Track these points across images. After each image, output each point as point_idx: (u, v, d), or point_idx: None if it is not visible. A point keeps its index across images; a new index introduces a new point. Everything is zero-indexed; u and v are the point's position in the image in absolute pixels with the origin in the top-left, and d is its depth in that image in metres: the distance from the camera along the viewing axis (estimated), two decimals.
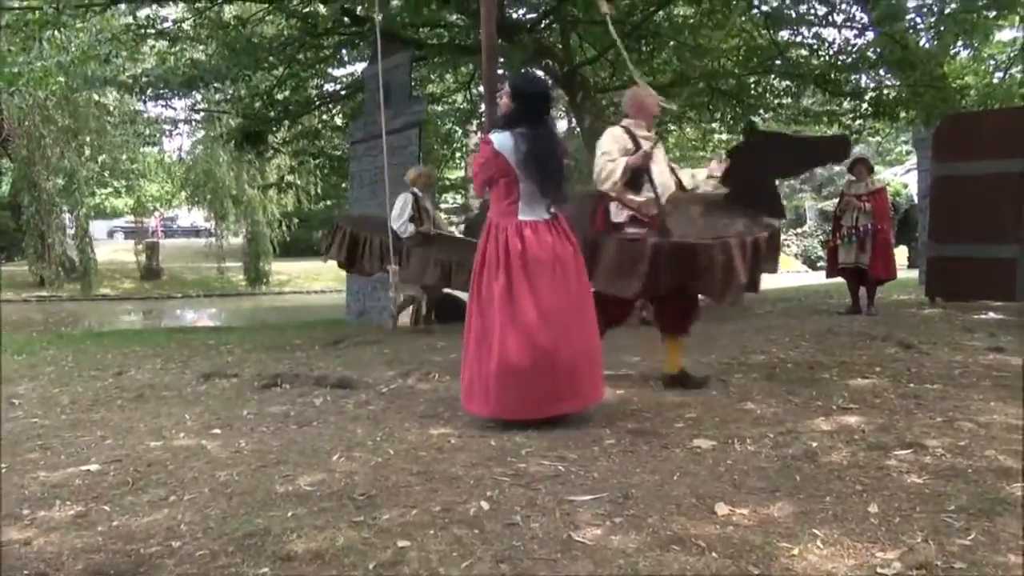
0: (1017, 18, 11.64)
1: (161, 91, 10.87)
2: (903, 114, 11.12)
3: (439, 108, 14.89)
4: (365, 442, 3.23)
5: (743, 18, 10.94)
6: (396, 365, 5.13)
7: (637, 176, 3.93)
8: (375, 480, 2.68)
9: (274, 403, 4.15)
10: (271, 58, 10.76)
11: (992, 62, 13.19)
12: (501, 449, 3.05)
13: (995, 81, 12.29)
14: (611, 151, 3.95)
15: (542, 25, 11.02)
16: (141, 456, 3.12)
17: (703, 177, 4.30)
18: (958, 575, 1.82)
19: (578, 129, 12.12)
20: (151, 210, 31.77)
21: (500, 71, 11.77)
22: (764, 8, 10.52)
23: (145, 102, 13.09)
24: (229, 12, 11.84)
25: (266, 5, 10.58)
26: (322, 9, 10.01)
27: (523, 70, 7.34)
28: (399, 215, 7.11)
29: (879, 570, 1.87)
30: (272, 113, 12.26)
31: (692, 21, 10.97)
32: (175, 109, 15.65)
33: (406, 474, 2.74)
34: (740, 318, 7.80)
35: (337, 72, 14.10)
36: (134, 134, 19.36)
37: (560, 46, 10.28)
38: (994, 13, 9.26)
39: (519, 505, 2.39)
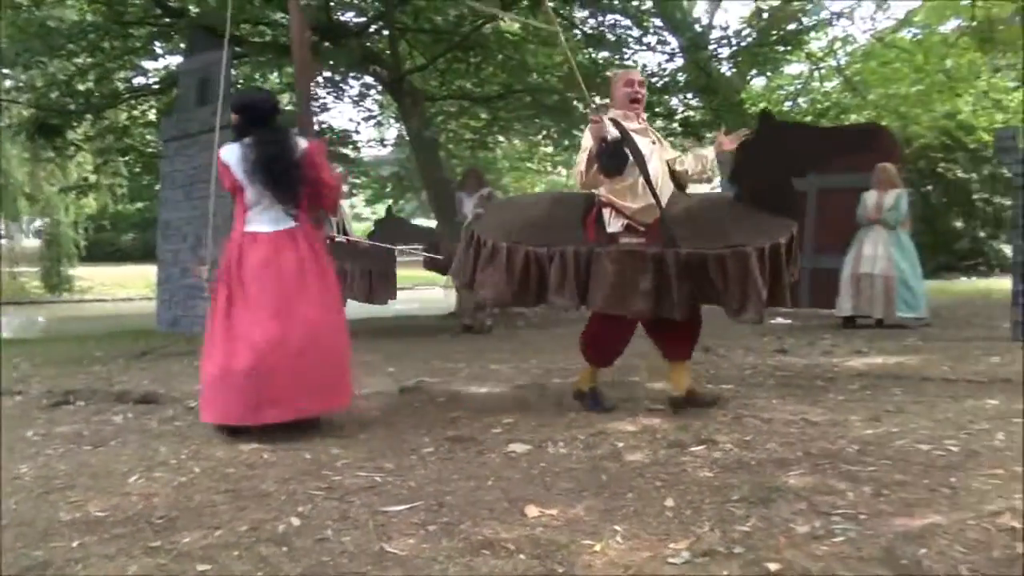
0: (804, 54, 13.02)
1: None
2: (707, 135, 12.05)
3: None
4: (168, 461, 3.03)
5: (563, 37, 11.39)
6: None
7: (619, 167, 3.37)
8: (177, 501, 2.53)
9: (65, 422, 3.81)
10: (70, 45, 9.88)
11: (783, 91, 14.64)
12: (316, 462, 2.97)
13: (785, 108, 13.63)
14: (588, 146, 3.47)
15: (371, 30, 10.91)
16: None
17: (712, 158, 3.64)
18: (737, 559, 1.99)
19: (407, 137, 12.12)
20: None
21: (328, 74, 11.57)
22: (585, 30, 11.03)
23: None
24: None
25: None
26: None
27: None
28: None
29: (670, 560, 2.01)
30: (72, 105, 11.25)
31: (518, 38, 11.30)
32: None
33: (212, 493, 2.61)
34: (569, 323, 8.11)
35: (149, 65, 13.18)
36: None
37: (388, 53, 10.22)
38: (783, 48, 10.26)
39: (331, 519, 2.35)
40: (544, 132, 13.64)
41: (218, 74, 8.51)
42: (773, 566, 1.92)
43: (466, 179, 7.78)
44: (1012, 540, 2.00)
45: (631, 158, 3.36)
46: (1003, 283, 10.21)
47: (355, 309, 11.12)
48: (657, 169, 3.49)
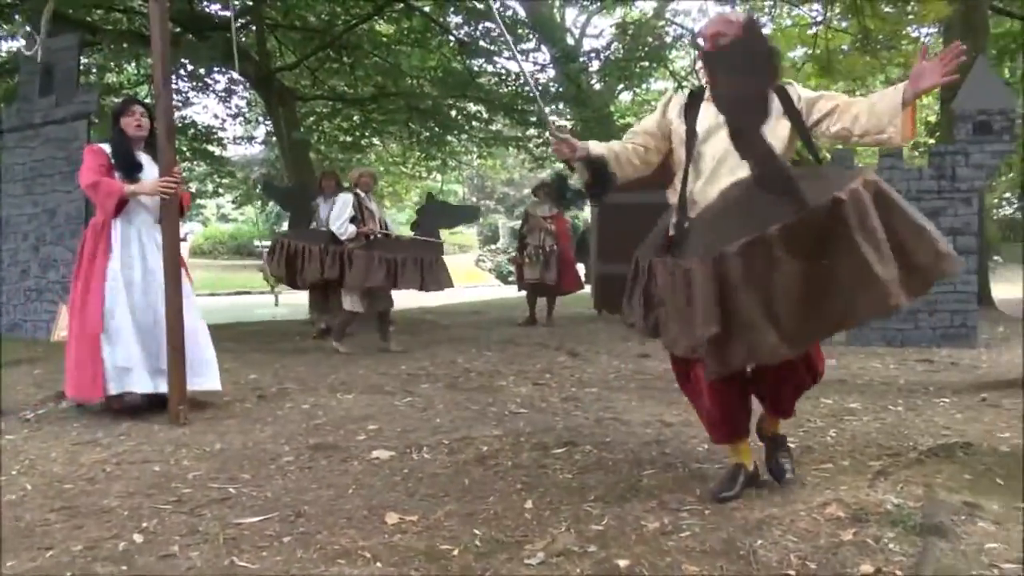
0: (668, 71, 13.65)
1: None
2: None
3: (118, 100, 13.44)
4: None
5: (437, 41, 11.43)
6: (51, 386, 4.50)
7: (598, 194, 2.76)
8: (5, 521, 2.33)
9: None
10: None
11: (649, 107, 15.25)
12: (165, 475, 2.82)
13: None
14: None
15: (237, 24, 10.50)
16: None
17: (898, 102, 2.32)
18: (590, 557, 2.06)
19: (274, 136, 11.74)
20: None
21: (190, 67, 11.03)
22: (459, 36, 11.09)
23: None
24: None
25: None
26: None
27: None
28: (338, 215, 6.38)
29: (526, 561, 2.04)
30: None
31: (392, 39, 11.21)
32: None
33: (44, 511, 2.42)
34: (433, 330, 8.10)
35: None
36: None
37: (256, 48, 9.88)
38: (647, 63, 10.71)
39: (178, 534, 2.23)
40: (417, 136, 13.57)
41: (65, 62, 7.95)
42: (623, 563, 2.00)
43: (321, 182, 7.44)
44: (836, 529, 2.17)
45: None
46: None
47: (222, 313, 10.64)
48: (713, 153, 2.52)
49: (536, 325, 8.42)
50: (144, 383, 3.82)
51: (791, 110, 2.49)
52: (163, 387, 3.76)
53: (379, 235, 6.57)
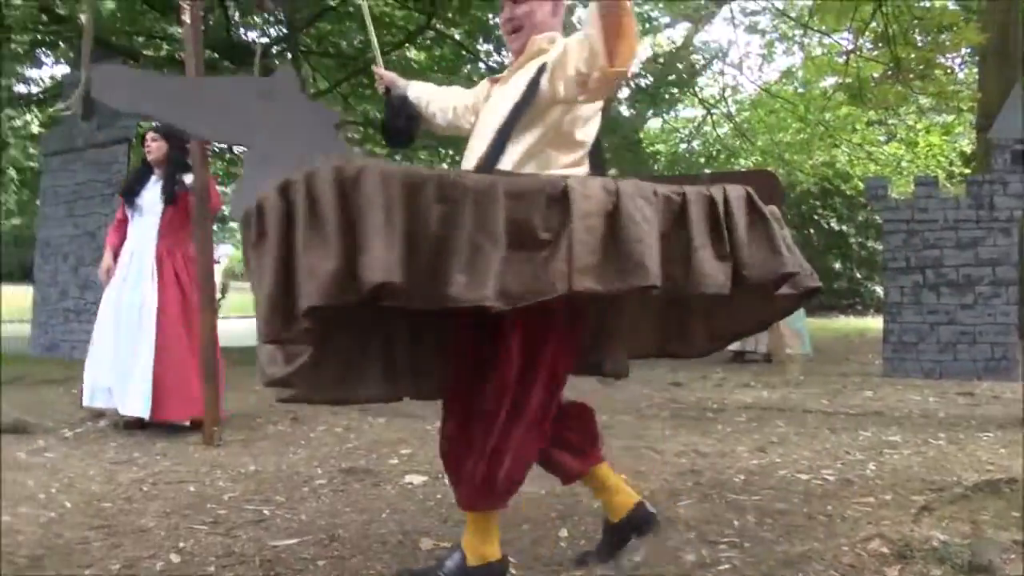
0: (697, 99, 13.68)
1: None
2: (608, 172, 12.45)
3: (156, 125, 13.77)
4: (36, 495, 2.82)
5: (468, 68, 11.57)
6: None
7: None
8: (43, 539, 2.35)
9: None
10: None
11: (679, 134, 15.30)
12: (201, 496, 2.84)
13: (680, 150, 14.25)
14: None
15: (274, 51, 10.73)
16: None
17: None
18: None
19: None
20: None
21: None
22: (491, 64, 11.23)
23: None
24: None
25: None
26: (16, 0, 8.85)
27: None
28: None
29: None
30: None
31: (424, 66, 11.37)
32: None
33: (83, 529, 2.44)
34: None
35: (32, 73, 12.49)
36: None
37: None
38: (676, 90, 10.75)
39: (214, 555, 2.24)
40: (448, 160, 13.70)
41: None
42: None
43: None
44: (881, 565, 2.12)
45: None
46: (877, 322, 10.92)
47: (240, 335, 10.73)
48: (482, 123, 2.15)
49: None
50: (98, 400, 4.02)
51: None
52: (119, 406, 3.95)
53: None
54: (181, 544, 2.32)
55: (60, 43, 10.30)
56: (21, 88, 12.21)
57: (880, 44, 10.23)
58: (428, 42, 10.85)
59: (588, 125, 2.07)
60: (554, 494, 2.91)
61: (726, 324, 2.27)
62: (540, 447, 2.04)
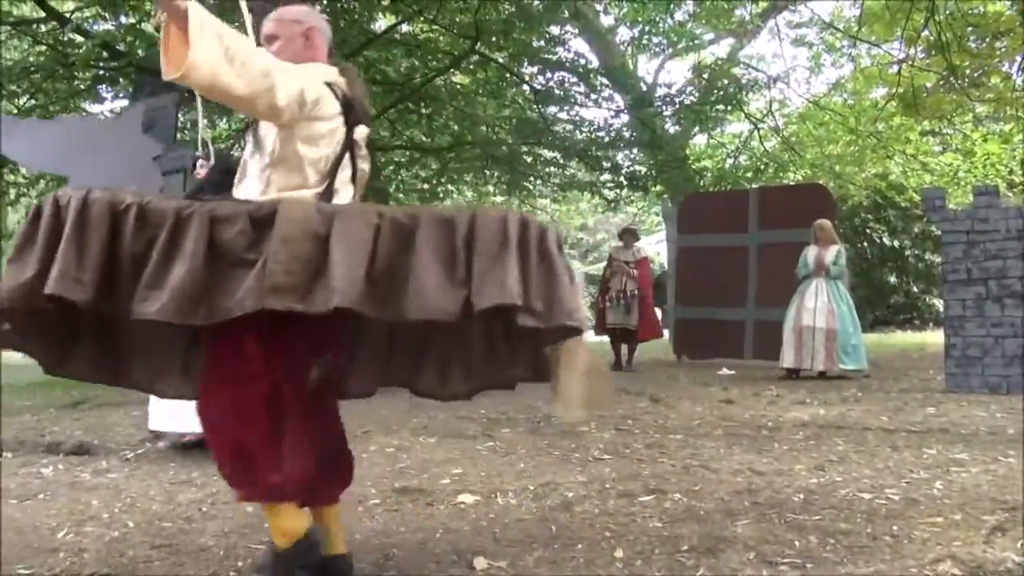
0: (743, 114, 13.55)
1: None
2: (653, 188, 12.39)
3: (196, 153, 14.17)
4: (100, 515, 2.90)
5: (512, 91, 11.68)
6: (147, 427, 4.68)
7: None
8: (108, 557, 2.41)
9: None
10: (13, 86, 9.68)
11: (725, 150, 15.16)
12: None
13: (727, 166, 14.10)
14: None
15: None
16: None
17: None
18: None
19: None
20: None
21: None
22: (534, 85, 11.30)
23: None
24: None
25: (8, 28, 9.55)
26: (78, 39, 9.22)
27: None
28: None
29: None
30: None
31: (469, 89, 11.50)
32: None
33: (146, 548, 2.49)
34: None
35: (94, 108, 12.97)
36: None
37: None
38: (722, 107, 10.67)
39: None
40: (494, 183, 13.82)
41: (164, 120, 8.43)
42: None
43: None
44: None
45: None
46: (936, 336, 10.60)
47: None
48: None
49: (620, 370, 8.33)
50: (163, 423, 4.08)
51: None
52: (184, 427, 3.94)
53: None
54: (239, 563, 2.35)
55: (120, 79, 10.68)
56: None
57: (933, 52, 10.01)
58: (472, 66, 10.98)
59: (313, 146, 2.05)
60: (607, 512, 2.87)
61: (485, 371, 2.29)
62: (308, 445, 2.04)
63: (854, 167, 14.27)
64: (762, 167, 13.84)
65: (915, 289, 16.47)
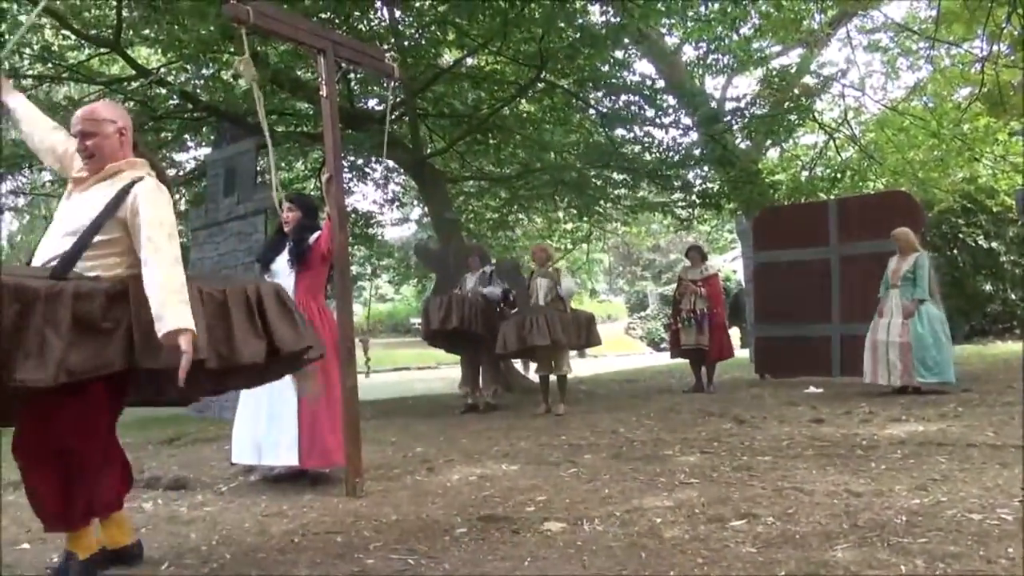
0: (817, 125, 13.22)
1: None
2: (726, 205, 12.16)
3: (282, 196, 14.66)
4: (199, 548, 2.99)
5: (579, 116, 11.70)
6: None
7: None
8: None
9: None
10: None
11: (799, 161, 14.78)
12: (348, 545, 2.92)
13: (802, 178, 13.73)
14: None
15: (392, 116, 11.24)
16: None
17: None
18: None
19: (428, 217, 12.33)
20: None
21: (352, 158, 11.90)
22: (600, 109, 11.30)
23: None
24: (62, 93, 11.26)
25: (102, 87, 10.16)
26: (163, 92, 9.74)
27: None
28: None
29: None
30: None
31: (536, 117, 11.58)
32: None
33: None
34: (590, 400, 8.03)
35: (179, 156, 13.65)
36: None
37: (409, 137, 10.51)
38: (794, 117, 10.43)
39: None
40: (563, 209, 13.82)
41: (244, 164, 8.80)
42: None
43: (469, 259, 7.85)
44: None
45: None
46: None
47: (384, 388, 11.06)
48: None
49: (701, 392, 8.15)
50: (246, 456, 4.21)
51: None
52: (265, 460, 4.15)
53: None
54: None
55: (203, 127, 11.22)
56: (171, 172, 13.40)
57: (1019, 48, 9.56)
58: (538, 94, 11.07)
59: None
60: (698, 538, 2.80)
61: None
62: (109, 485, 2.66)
63: (939, 172, 13.69)
64: (839, 176, 13.42)
65: (1013, 296, 15.60)
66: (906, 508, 3.02)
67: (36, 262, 2.51)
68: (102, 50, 9.08)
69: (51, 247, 2.50)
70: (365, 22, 9.16)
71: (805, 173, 14.26)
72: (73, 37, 8.95)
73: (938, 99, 13.23)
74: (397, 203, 14.26)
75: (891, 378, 6.82)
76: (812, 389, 7.72)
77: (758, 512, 3.08)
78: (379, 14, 9.30)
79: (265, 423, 4.10)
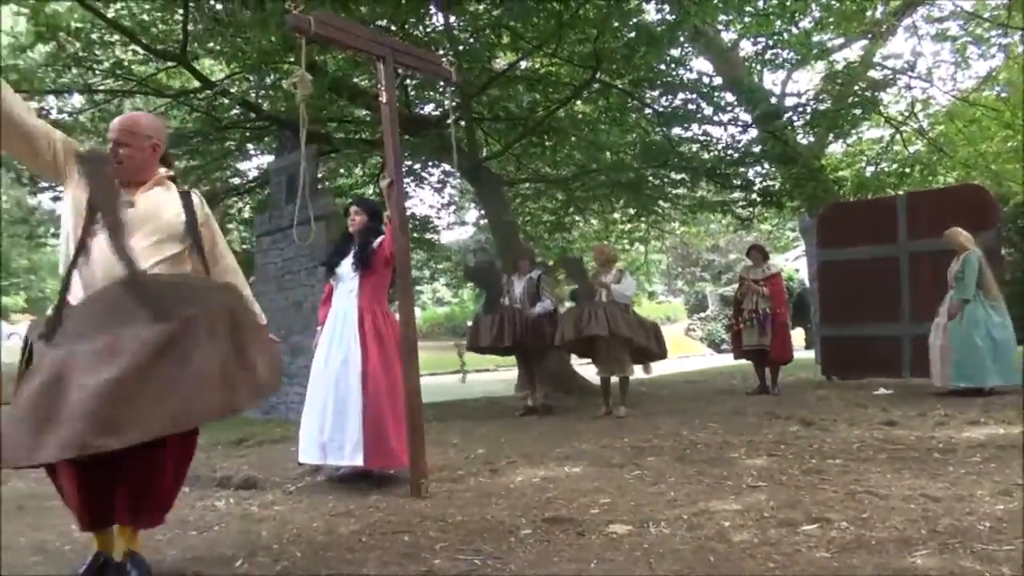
0: (883, 119, 12.82)
1: (56, 185, 10.51)
2: (789, 203, 11.88)
3: (349, 201, 14.94)
4: (270, 545, 3.06)
5: (635, 116, 11.59)
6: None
7: None
8: None
9: None
10: (171, 150, 10.61)
11: (864, 157, 14.36)
12: (415, 545, 2.94)
13: (867, 174, 13.33)
14: None
15: (448, 121, 11.32)
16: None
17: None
18: None
19: (485, 220, 12.38)
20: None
21: (409, 163, 12.05)
22: (657, 108, 11.18)
23: (36, 194, 12.57)
24: (129, 105, 11.68)
25: (169, 100, 10.51)
26: (227, 102, 10.02)
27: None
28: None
29: None
30: None
31: (591, 118, 11.52)
32: None
33: None
34: (651, 402, 7.94)
35: (243, 165, 14.03)
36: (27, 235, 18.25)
37: (466, 141, 10.58)
38: (859, 111, 10.13)
39: None
40: (620, 210, 13.70)
41: (306, 171, 8.97)
42: None
43: (517, 262, 7.86)
44: None
45: None
46: None
47: (444, 391, 11.16)
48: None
49: (766, 394, 7.98)
50: (312, 456, 4.25)
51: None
52: (330, 460, 4.20)
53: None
54: None
55: (265, 136, 11.50)
56: (235, 180, 13.77)
57: None
58: (593, 94, 11.00)
59: None
60: (768, 542, 2.74)
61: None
62: None
63: (1014, 164, 13.13)
64: (907, 171, 12.98)
65: None
66: (989, 514, 2.90)
67: (102, 260, 2.41)
68: (169, 63, 9.38)
69: (136, 247, 2.46)
70: (420, 28, 9.26)
71: (871, 168, 13.85)
72: (142, 52, 9.28)
73: (1012, 88, 12.70)
74: (454, 206, 14.37)
75: (934, 379, 6.92)
76: (882, 391, 7.49)
77: (831, 516, 3.00)
78: (434, 19, 9.38)
79: (331, 424, 4.17)
